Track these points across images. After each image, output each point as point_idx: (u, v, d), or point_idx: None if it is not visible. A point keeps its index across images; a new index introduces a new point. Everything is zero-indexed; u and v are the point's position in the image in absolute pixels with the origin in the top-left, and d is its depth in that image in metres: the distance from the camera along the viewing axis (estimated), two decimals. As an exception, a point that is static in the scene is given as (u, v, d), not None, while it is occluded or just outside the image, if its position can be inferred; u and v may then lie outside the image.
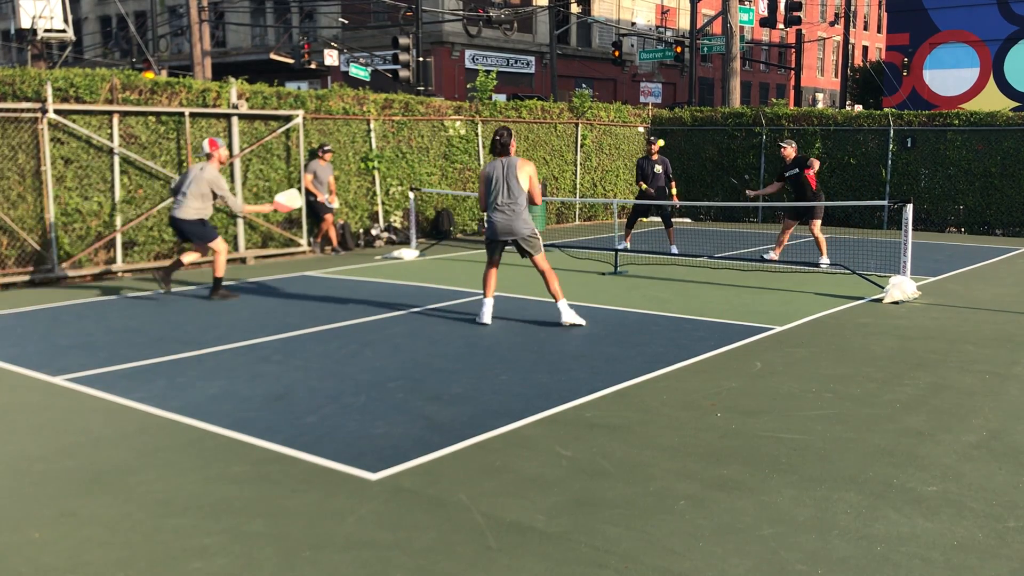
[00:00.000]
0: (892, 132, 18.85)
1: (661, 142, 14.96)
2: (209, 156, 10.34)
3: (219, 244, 10.36)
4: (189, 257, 10.62)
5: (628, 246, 14.71)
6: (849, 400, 6.25)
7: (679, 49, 31.88)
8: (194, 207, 10.07)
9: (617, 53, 35.44)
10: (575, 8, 41.68)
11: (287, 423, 5.74)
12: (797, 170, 13.06)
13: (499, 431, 5.57)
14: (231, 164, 13.45)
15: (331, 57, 32.20)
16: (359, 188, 15.47)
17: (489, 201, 8.75)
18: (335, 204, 14.58)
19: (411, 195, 14.81)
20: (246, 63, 34.57)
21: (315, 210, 14.49)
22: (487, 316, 8.87)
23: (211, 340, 8.16)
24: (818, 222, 13.08)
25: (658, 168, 14.62)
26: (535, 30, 40.51)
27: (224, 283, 10.89)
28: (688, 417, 5.87)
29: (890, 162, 18.92)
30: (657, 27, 46.11)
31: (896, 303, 9.98)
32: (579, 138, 19.78)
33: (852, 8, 39.93)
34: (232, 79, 13.79)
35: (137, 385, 6.65)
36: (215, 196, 10.25)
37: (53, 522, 4.29)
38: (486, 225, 8.89)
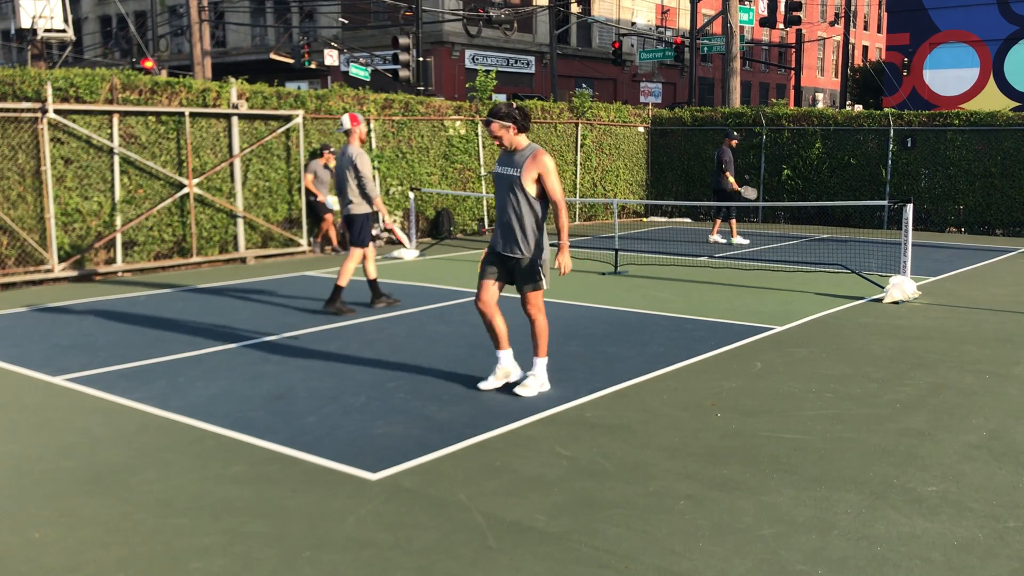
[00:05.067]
0: (892, 132, 18.85)
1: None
2: (348, 133, 9.27)
3: (357, 252, 9.38)
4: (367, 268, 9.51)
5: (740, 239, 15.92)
6: (849, 400, 6.25)
7: (679, 40, 31.89)
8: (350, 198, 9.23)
9: (617, 44, 35.38)
10: (575, 8, 41.67)
11: (287, 423, 5.74)
12: None
13: (499, 431, 5.57)
14: (231, 164, 13.45)
15: (331, 57, 32.20)
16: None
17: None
18: (337, 207, 14.58)
19: (411, 195, 14.82)
20: (246, 63, 34.60)
21: (315, 210, 14.49)
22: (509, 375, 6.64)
23: (211, 340, 8.16)
24: None
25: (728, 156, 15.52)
26: (535, 30, 40.50)
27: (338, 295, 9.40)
28: (688, 417, 5.87)
29: (890, 162, 18.91)
30: (657, 27, 46.11)
31: (896, 303, 9.98)
32: (579, 138, 19.79)
33: (852, 8, 39.93)
34: (232, 79, 13.79)
35: (137, 385, 6.64)
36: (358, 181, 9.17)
37: (53, 522, 4.29)
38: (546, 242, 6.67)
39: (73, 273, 11.79)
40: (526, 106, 6.25)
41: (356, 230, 9.38)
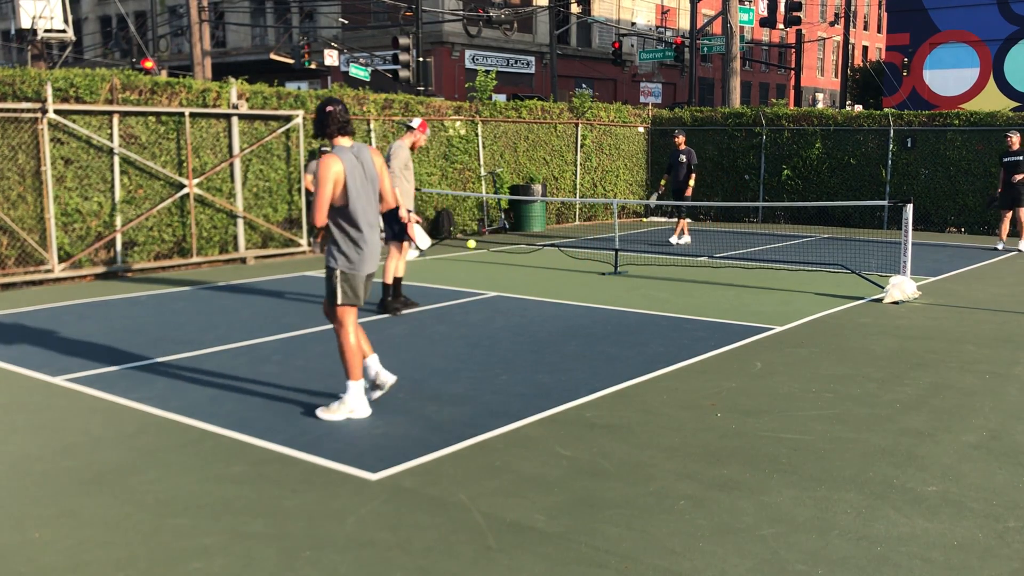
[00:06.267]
0: (892, 132, 18.85)
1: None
2: (409, 129, 9.55)
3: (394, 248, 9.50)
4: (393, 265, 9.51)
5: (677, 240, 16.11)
6: (849, 400, 6.25)
7: (679, 40, 31.92)
8: None
9: (617, 44, 35.36)
10: (575, 8, 41.68)
11: (287, 423, 5.74)
12: (1021, 158, 15.38)
13: (499, 431, 5.57)
14: (231, 164, 13.45)
15: (331, 57, 32.21)
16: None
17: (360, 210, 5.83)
18: None
19: (411, 195, 14.79)
20: (246, 63, 34.61)
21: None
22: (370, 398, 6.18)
23: (211, 340, 8.16)
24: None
25: (682, 158, 15.71)
26: (535, 30, 40.51)
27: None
28: (688, 417, 5.87)
29: (890, 162, 18.91)
30: (657, 27, 46.12)
31: (896, 303, 9.98)
32: (579, 138, 19.79)
33: (852, 8, 39.95)
34: (232, 79, 13.78)
35: (137, 385, 6.64)
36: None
37: (53, 522, 4.29)
38: (351, 253, 5.86)
39: (72, 273, 11.78)
40: (340, 110, 5.78)
41: (390, 225, 9.43)
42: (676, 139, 15.94)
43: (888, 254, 14.05)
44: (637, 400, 6.25)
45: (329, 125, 5.75)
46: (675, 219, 16.53)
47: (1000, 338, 8.27)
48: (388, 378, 6.13)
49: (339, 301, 5.81)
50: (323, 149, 14.27)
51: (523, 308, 9.68)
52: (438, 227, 16.76)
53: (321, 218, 5.66)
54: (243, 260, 13.65)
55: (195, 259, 13.09)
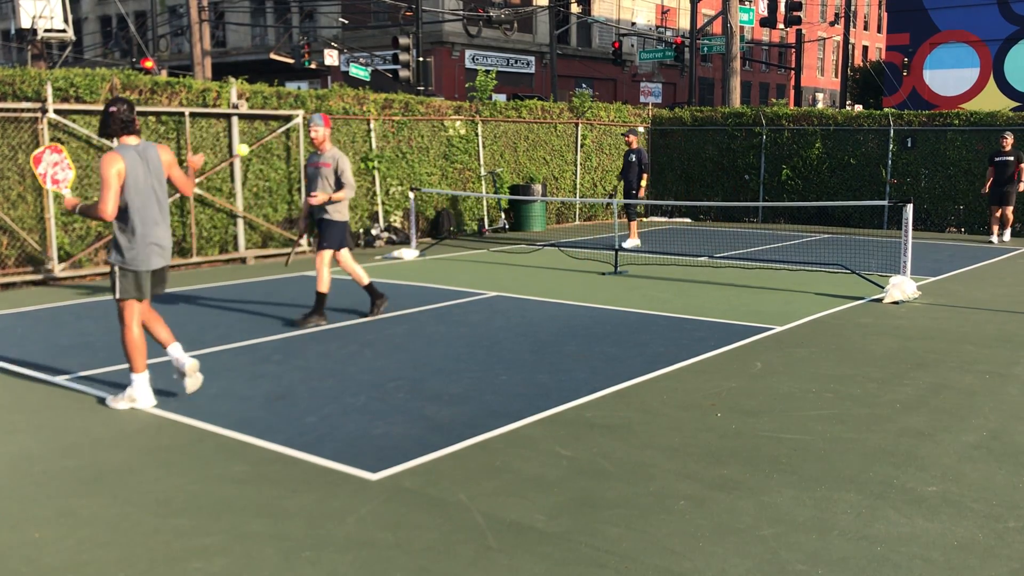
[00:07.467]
0: (892, 132, 18.86)
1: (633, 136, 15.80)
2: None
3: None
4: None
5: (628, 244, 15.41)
6: (849, 400, 6.25)
7: (679, 40, 31.93)
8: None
9: (617, 44, 35.35)
10: (575, 8, 41.68)
11: (287, 423, 5.75)
12: (1011, 159, 16.15)
13: (499, 431, 5.57)
14: (231, 164, 13.45)
15: (331, 57, 32.21)
16: (359, 188, 15.47)
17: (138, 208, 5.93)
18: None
19: (411, 195, 14.81)
20: (246, 63, 34.60)
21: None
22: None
23: (211, 340, 8.15)
24: (1011, 207, 16.48)
25: (632, 158, 15.44)
26: (535, 30, 40.51)
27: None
28: (688, 417, 5.87)
29: (890, 162, 18.91)
30: (657, 27, 46.12)
31: (896, 303, 9.98)
32: (579, 138, 19.79)
33: (852, 8, 39.95)
34: (232, 79, 13.78)
35: (137, 385, 6.64)
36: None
37: (53, 522, 4.29)
38: (127, 249, 5.95)
39: (72, 273, 11.78)
40: (124, 110, 5.89)
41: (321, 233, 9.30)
42: (627, 139, 15.38)
43: (888, 254, 14.05)
44: (637, 400, 6.25)
45: (111, 124, 5.90)
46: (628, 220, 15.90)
47: (1000, 338, 8.27)
48: (186, 361, 6.18)
49: (117, 295, 5.98)
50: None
51: (523, 308, 9.68)
52: (438, 227, 16.76)
53: (111, 211, 5.78)
54: (243, 260, 13.65)
55: (195, 259, 13.08)
